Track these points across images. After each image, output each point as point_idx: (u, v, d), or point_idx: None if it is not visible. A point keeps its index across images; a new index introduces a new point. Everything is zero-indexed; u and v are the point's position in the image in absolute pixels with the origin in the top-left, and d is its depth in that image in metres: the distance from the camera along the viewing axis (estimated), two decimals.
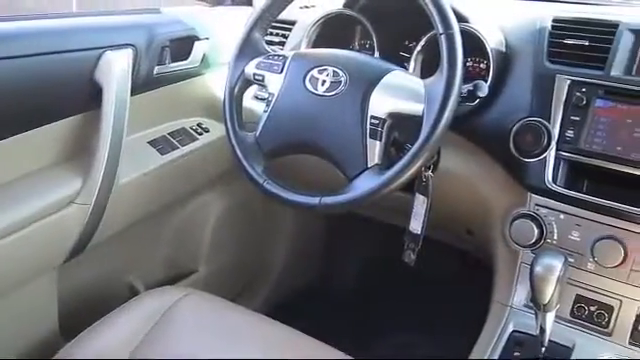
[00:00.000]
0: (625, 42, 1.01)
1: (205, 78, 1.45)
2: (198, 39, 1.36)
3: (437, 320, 1.72)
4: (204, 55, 1.40)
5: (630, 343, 1.01)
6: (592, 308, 1.05)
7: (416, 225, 1.10)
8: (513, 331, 1.07)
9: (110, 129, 1.15)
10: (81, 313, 1.13)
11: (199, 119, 1.48)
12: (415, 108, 0.94)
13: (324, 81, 1.01)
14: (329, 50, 1.09)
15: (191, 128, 1.45)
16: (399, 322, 1.75)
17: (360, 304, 1.88)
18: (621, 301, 1.02)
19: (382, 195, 0.94)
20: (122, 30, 1.23)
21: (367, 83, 0.98)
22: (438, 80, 0.92)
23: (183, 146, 1.40)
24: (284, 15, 1.14)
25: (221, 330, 1.04)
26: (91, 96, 1.15)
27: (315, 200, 0.99)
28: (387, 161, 0.97)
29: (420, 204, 1.09)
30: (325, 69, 1.02)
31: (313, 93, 1.01)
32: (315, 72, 1.02)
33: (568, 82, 1.03)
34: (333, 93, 1.00)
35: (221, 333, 1.03)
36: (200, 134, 1.45)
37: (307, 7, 1.41)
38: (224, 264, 1.65)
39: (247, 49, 1.10)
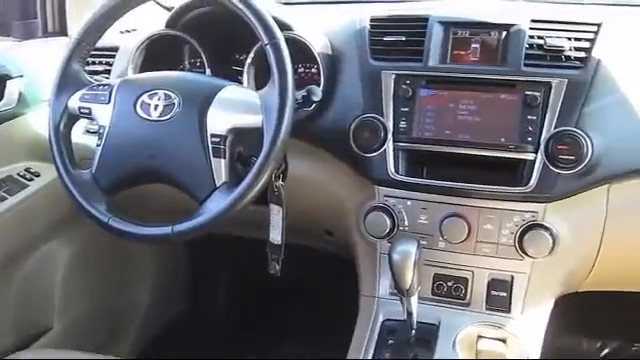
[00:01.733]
0: (437, 34, 1.09)
1: (27, 118, 1.34)
2: (10, 77, 1.25)
3: (315, 326, 1.74)
4: (20, 94, 1.29)
5: (487, 309, 1.09)
6: (449, 284, 1.11)
7: (276, 235, 1.10)
8: (384, 320, 1.11)
9: None
10: None
11: (27, 163, 1.36)
12: (254, 120, 0.94)
13: (156, 105, 0.97)
14: (157, 73, 1.06)
15: (19, 175, 1.33)
16: (281, 335, 1.74)
17: (236, 325, 1.85)
18: (473, 272, 1.10)
19: (236, 212, 0.92)
20: None
21: (201, 102, 0.96)
22: (272, 90, 0.93)
23: (12, 195, 1.27)
24: (105, 42, 1.09)
25: None
26: None
27: (167, 230, 0.95)
28: (235, 177, 0.96)
29: (276, 214, 1.09)
30: (155, 93, 0.98)
31: (147, 119, 0.97)
32: (145, 97, 0.98)
33: (393, 76, 1.09)
34: (168, 117, 0.96)
35: None
36: (30, 180, 1.33)
37: (128, 31, 1.35)
38: (82, 315, 1.53)
39: (67, 82, 1.02)
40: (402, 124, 1.08)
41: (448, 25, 1.10)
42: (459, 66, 1.08)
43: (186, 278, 1.87)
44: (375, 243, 1.14)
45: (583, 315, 1.53)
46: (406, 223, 1.10)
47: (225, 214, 0.91)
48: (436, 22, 1.10)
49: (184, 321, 1.80)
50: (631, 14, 1.23)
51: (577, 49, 1.03)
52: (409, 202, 1.09)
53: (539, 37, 1.05)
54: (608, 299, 1.27)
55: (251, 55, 1.19)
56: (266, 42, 0.93)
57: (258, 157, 0.91)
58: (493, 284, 1.09)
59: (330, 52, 1.18)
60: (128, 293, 1.70)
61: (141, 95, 0.98)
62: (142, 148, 0.97)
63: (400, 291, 0.99)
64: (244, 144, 1.01)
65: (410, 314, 1.01)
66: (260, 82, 1.18)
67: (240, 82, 1.19)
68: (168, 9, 1.30)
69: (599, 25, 1.05)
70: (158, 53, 1.26)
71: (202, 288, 1.89)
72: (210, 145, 0.94)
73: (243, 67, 1.21)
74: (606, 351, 1.74)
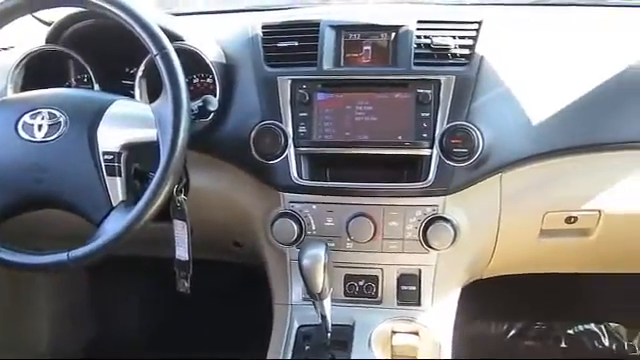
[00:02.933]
0: (329, 38, 1.10)
1: None
2: None
3: (231, 338, 1.70)
4: None
5: (398, 304, 1.12)
6: (360, 283, 1.12)
7: (182, 252, 1.07)
8: (299, 327, 1.10)
9: None
10: None
11: None
12: (148, 134, 0.90)
13: (40, 126, 0.91)
14: (40, 91, 1.00)
15: None
16: (197, 351, 1.69)
17: (150, 346, 1.77)
18: (382, 270, 1.12)
19: (136, 231, 0.88)
20: None
21: (90, 119, 0.91)
22: (164, 102, 0.90)
23: None
24: None
25: None
26: None
27: (63, 256, 0.89)
28: (133, 195, 0.93)
29: (180, 229, 1.06)
30: (39, 112, 0.92)
31: (30, 141, 0.91)
32: (27, 118, 0.92)
33: (289, 82, 1.09)
34: (55, 137, 0.91)
35: None
36: None
37: (5, 49, 1.26)
38: None
39: None
40: (302, 129, 1.08)
41: (339, 29, 1.11)
42: (353, 68, 1.10)
43: (90, 309, 1.78)
44: (284, 250, 1.13)
45: (488, 300, 1.61)
46: (313, 227, 1.10)
47: (124, 235, 0.87)
48: (327, 26, 1.11)
49: (94, 349, 1.70)
50: (509, 11, 1.31)
51: (461, 47, 1.07)
52: (315, 206, 1.10)
53: (426, 37, 1.09)
54: (510, 283, 1.33)
55: (142, 68, 1.15)
56: (155, 53, 0.90)
57: (155, 172, 0.88)
58: (402, 279, 1.11)
59: (224, 61, 1.16)
60: (27, 332, 1.59)
61: (22, 116, 0.92)
62: (27, 172, 0.91)
63: (312, 295, 0.99)
64: (140, 160, 0.97)
65: (324, 317, 1.01)
66: (153, 96, 1.15)
67: (132, 97, 1.15)
68: (47, 24, 1.23)
69: (480, 23, 1.10)
70: (41, 70, 1.18)
71: (109, 313, 1.80)
72: (103, 164, 0.90)
73: (134, 80, 1.16)
74: (513, 332, 1.83)
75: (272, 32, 1.14)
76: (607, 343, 1.79)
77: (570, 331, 1.81)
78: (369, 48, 1.10)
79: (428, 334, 1.08)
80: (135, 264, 1.51)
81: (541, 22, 1.29)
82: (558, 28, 1.24)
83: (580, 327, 1.80)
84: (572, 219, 1.12)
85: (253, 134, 1.09)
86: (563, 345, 1.80)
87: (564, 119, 1.08)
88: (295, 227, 1.09)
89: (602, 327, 1.80)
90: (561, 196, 1.11)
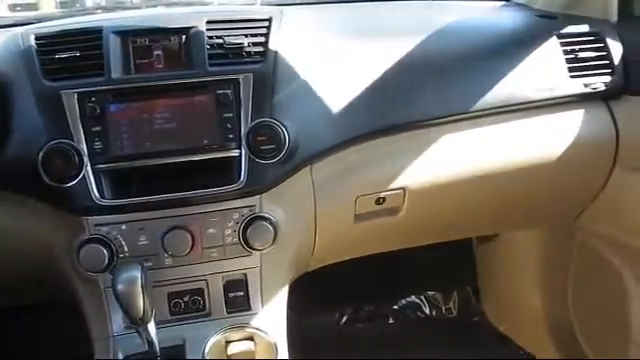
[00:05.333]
0: (114, 44, 1.03)
1: None
2: None
3: None
4: None
5: (228, 312, 1.08)
6: (186, 299, 1.07)
7: None
8: (124, 358, 1.01)
9: None
10: None
11: None
12: None
13: None
14: None
15: None
16: None
17: None
18: (207, 280, 1.07)
19: None
20: None
21: None
22: None
23: None
24: None
25: None
26: None
27: None
28: None
29: None
30: None
31: None
32: None
33: (76, 95, 0.99)
34: None
35: None
36: None
37: None
38: None
39: None
40: (97, 144, 0.99)
41: (125, 34, 1.04)
42: (145, 75, 1.03)
43: None
44: (96, 279, 1.03)
45: (318, 292, 1.64)
46: (125, 249, 1.02)
47: None
48: (111, 32, 1.03)
49: None
50: (298, 8, 1.34)
51: (255, 44, 1.07)
52: (124, 226, 1.01)
53: (218, 37, 1.06)
54: (335, 271, 1.37)
55: None
56: None
57: None
58: (229, 286, 1.08)
59: None
60: None
61: None
62: None
63: (134, 322, 0.92)
64: None
65: (151, 343, 0.95)
66: None
67: None
68: None
69: (269, 20, 1.11)
70: None
71: None
72: None
73: None
74: (345, 319, 1.90)
75: (48, 43, 1.03)
76: (428, 311, 1.94)
77: (395, 307, 1.93)
78: (160, 52, 1.05)
79: (263, 337, 1.07)
80: None
81: (330, 17, 1.35)
82: (347, 21, 1.30)
83: (403, 301, 1.93)
84: (381, 200, 1.18)
85: (41, 156, 0.97)
86: (391, 321, 1.91)
87: (362, 106, 1.13)
88: (105, 252, 0.99)
89: (422, 297, 1.95)
90: (369, 179, 1.16)
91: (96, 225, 1.01)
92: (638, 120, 1.26)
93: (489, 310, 1.89)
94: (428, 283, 1.96)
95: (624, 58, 1.26)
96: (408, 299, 1.94)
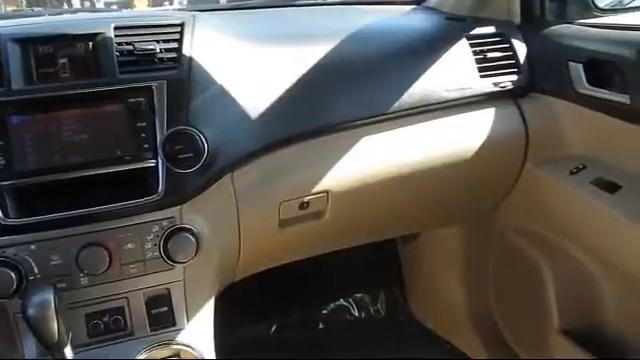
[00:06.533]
0: (13, 53, 0.97)
1: None
2: None
3: None
4: None
5: (152, 330, 1.04)
6: (106, 319, 1.01)
7: None
8: None
9: None
10: None
11: None
12: None
13: None
14: None
15: None
16: None
17: None
18: (127, 298, 1.02)
19: None
20: None
21: None
22: None
23: None
24: None
25: None
26: None
27: None
28: None
29: None
30: None
31: None
32: None
33: None
34: None
35: None
36: None
37: None
38: None
39: None
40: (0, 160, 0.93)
41: (25, 42, 0.98)
42: (50, 85, 0.98)
43: None
44: (4, 305, 0.96)
45: (246, 302, 1.61)
46: (36, 270, 0.95)
47: None
48: (9, 40, 0.97)
49: None
50: (211, 15, 1.32)
51: (167, 50, 1.04)
52: (33, 246, 0.94)
53: (127, 43, 1.02)
54: (262, 280, 1.35)
55: None
56: None
57: None
58: (151, 303, 1.04)
59: None
60: None
61: None
62: None
63: (49, 348, 0.87)
64: None
65: None
66: None
67: None
68: None
69: (182, 25, 1.08)
70: None
71: None
72: None
73: None
74: (274, 327, 1.87)
75: None
76: (357, 313, 1.95)
77: (324, 311, 1.92)
78: (65, 61, 0.99)
79: (189, 352, 1.03)
80: None
81: (245, 22, 1.33)
82: (263, 27, 1.29)
83: (332, 305, 1.94)
84: (305, 204, 1.17)
85: None
86: (321, 326, 1.90)
87: (281, 111, 1.12)
88: (12, 275, 0.92)
89: (350, 300, 1.96)
90: (292, 184, 1.15)
91: (1, 247, 0.93)
92: (545, 116, 1.32)
93: (416, 308, 1.93)
94: (356, 286, 1.97)
95: (528, 57, 1.32)
96: (337, 303, 1.94)
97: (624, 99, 1.12)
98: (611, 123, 1.18)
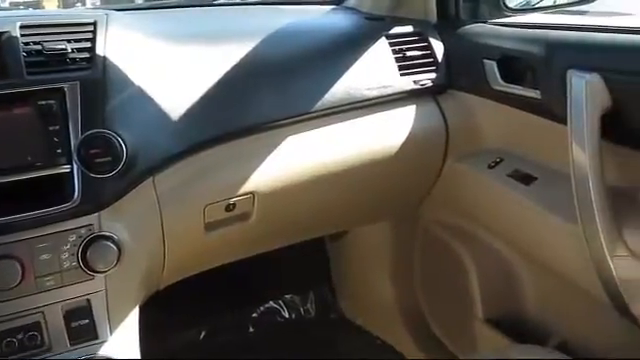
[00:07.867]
0: None
1: None
2: None
3: None
4: None
5: (72, 344, 0.98)
6: (20, 336, 0.95)
7: None
8: None
9: None
10: None
11: None
12: None
13: None
14: None
15: None
16: None
17: None
18: (43, 312, 0.97)
19: None
20: None
21: None
22: None
23: None
24: None
25: None
26: None
27: None
28: None
29: None
30: None
31: None
32: None
33: None
34: None
35: None
36: None
37: None
38: None
39: None
40: None
41: None
42: None
43: None
44: None
45: (173, 310, 1.57)
46: None
47: None
48: None
49: None
50: (126, 14, 1.27)
51: (79, 50, 0.99)
52: None
53: (35, 43, 0.97)
54: (189, 286, 1.31)
55: None
56: None
57: None
58: (70, 316, 0.98)
59: None
60: None
61: None
62: None
63: None
64: None
65: None
66: None
67: None
68: None
69: (94, 24, 1.03)
70: None
71: None
72: None
73: None
74: (203, 334, 1.83)
75: None
76: (287, 315, 1.94)
77: (254, 315, 1.90)
78: None
79: None
80: None
81: (163, 21, 1.30)
82: (181, 26, 1.26)
83: (261, 308, 1.91)
84: (231, 206, 1.15)
85: None
86: (251, 330, 1.88)
87: (202, 112, 1.09)
88: None
89: (280, 302, 1.94)
90: (216, 186, 1.13)
91: None
92: (463, 112, 1.36)
93: (345, 306, 1.94)
94: (285, 287, 1.96)
95: (446, 56, 1.36)
96: (266, 305, 1.92)
97: (535, 94, 1.17)
98: (525, 117, 1.23)
